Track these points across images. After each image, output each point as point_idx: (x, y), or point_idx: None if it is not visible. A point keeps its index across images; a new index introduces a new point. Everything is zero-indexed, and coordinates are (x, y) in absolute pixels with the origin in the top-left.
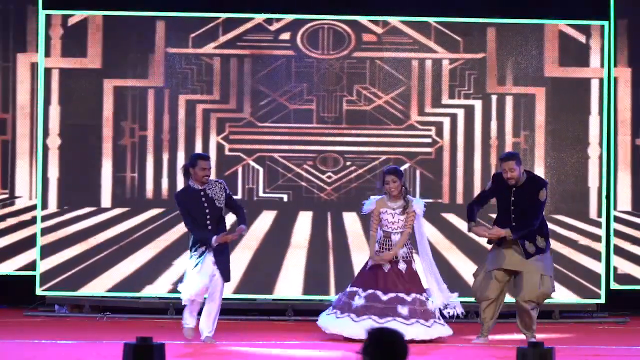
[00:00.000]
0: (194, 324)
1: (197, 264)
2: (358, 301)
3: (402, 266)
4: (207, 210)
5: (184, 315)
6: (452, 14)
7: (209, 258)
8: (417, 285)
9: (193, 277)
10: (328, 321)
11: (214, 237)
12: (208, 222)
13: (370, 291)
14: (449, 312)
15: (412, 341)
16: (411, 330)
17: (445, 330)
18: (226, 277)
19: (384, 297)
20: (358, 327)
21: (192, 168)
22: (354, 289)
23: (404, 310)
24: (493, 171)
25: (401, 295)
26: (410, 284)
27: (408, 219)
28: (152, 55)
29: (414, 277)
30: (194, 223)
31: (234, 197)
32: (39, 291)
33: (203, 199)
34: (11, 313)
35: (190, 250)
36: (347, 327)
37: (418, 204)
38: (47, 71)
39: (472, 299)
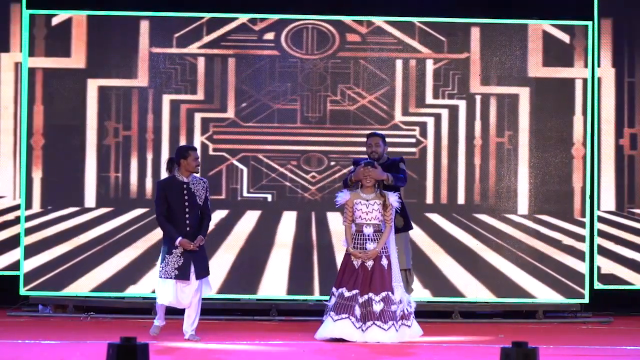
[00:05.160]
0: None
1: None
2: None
3: (384, 262)
4: (186, 204)
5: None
6: (436, 14)
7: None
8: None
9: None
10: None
11: (179, 238)
12: (187, 215)
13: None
14: (402, 310)
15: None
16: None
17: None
18: (205, 272)
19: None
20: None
21: (184, 159)
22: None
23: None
24: (477, 171)
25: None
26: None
27: (387, 213)
28: (136, 55)
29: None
30: (169, 214)
31: (210, 201)
32: (22, 291)
33: (185, 191)
34: None
35: (168, 252)
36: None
37: (393, 197)
38: (31, 71)
39: (452, 299)
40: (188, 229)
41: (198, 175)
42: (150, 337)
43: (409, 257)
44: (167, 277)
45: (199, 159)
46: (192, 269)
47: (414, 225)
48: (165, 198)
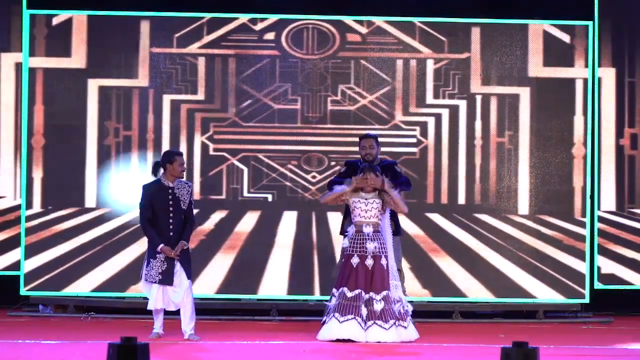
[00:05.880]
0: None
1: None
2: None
3: (384, 262)
4: (171, 209)
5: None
6: (437, 14)
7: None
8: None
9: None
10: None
11: (161, 245)
12: (171, 220)
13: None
14: (399, 310)
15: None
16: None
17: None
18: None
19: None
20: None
21: (170, 164)
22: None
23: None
24: (478, 171)
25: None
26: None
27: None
28: (137, 55)
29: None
30: (153, 218)
31: (195, 206)
32: (23, 291)
33: (170, 197)
34: None
35: (152, 256)
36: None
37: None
38: (32, 71)
39: (452, 299)
40: (171, 233)
41: (183, 179)
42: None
43: (400, 257)
44: (151, 282)
45: (185, 164)
46: (181, 269)
47: (414, 225)
48: (151, 202)
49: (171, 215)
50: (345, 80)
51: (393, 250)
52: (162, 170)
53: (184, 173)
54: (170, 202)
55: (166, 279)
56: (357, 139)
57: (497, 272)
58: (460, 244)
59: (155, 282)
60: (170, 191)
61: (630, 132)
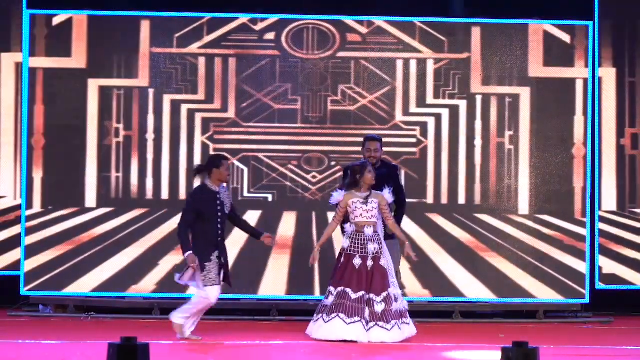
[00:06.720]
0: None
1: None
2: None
3: (383, 262)
4: (219, 214)
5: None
6: (437, 14)
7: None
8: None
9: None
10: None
11: (189, 252)
12: (219, 226)
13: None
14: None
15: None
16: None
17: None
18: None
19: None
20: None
21: (217, 169)
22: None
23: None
24: (478, 171)
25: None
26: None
27: (386, 211)
28: (137, 55)
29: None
30: (201, 224)
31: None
32: (23, 291)
33: (218, 202)
34: None
35: (206, 259)
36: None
37: (388, 195)
38: (32, 71)
39: (452, 299)
40: (220, 239)
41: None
42: (150, 337)
43: (399, 259)
44: (214, 284)
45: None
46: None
47: (414, 224)
48: (197, 209)
49: (219, 220)
50: (345, 80)
51: (397, 252)
52: (206, 175)
53: (229, 177)
54: (219, 208)
55: (224, 277)
56: (357, 139)
57: (497, 272)
58: (460, 244)
59: (217, 285)
60: (218, 196)
61: (631, 132)
